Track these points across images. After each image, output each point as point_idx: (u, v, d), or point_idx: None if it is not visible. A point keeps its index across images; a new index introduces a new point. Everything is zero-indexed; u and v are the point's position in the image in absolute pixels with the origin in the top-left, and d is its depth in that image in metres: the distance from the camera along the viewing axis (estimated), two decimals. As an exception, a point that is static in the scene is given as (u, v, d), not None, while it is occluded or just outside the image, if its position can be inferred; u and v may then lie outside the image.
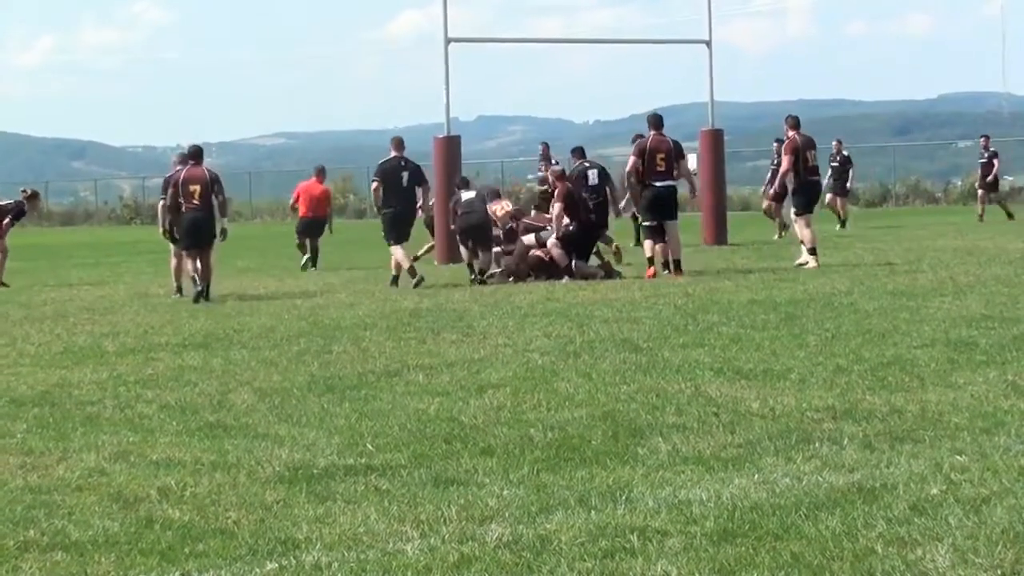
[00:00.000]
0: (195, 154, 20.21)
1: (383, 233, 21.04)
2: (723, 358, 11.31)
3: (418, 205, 21.61)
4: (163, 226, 20.36)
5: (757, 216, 45.96)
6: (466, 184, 22.61)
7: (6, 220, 23.82)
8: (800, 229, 21.98)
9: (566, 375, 10.77)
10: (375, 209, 21.97)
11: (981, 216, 35.39)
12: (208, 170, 20.07)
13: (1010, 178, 68.87)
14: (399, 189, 20.85)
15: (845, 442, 7.82)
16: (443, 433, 8.58)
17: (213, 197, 19.77)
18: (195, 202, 19.67)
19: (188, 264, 19.81)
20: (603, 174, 22.36)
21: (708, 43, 31.42)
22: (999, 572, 5.33)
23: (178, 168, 20.30)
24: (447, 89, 28.29)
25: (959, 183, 58.91)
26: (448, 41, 28.30)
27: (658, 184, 20.60)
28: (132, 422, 9.44)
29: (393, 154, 21.01)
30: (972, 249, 23.79)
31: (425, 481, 7.27)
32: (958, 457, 7.30)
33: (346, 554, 5.94)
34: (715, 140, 30.98)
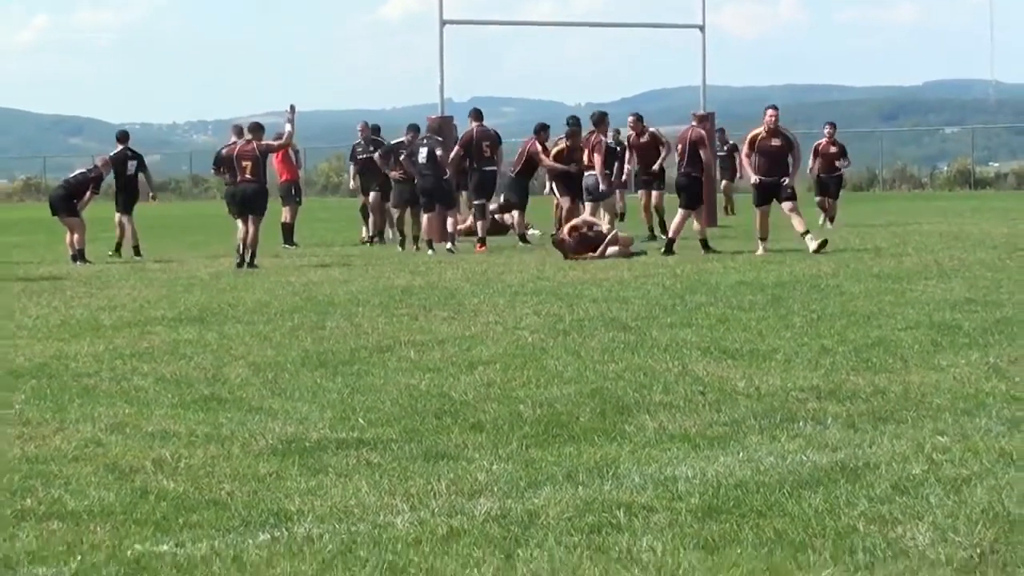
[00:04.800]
0: (252, 129, 21.75)
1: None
2: (710, 338, 11.40)
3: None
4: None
5: (747, 199, 45.89)
6: (417, 132, 24.29)
7: (87, 193, 23.25)
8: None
9: (555, 353, 10.85)
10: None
11: (727, 208, 34.11)
12: (258, 145, 21.30)
13: (995, 164, 68.90)
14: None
15: (829, 422, 7.91)
16: (434, 408, 8.66)
17: (263, 170, 21.32)
18: (248, 176, 21.10)
19: (239, 232, 21.14)
20: (432, 152, 23.57)
21: (701, 28, 31.48)
22: (978, 551, 5.39)
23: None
24: (441, 70, 28.35)
25: (944, 168, 59.10)
26: (443, 23, 28.35)
27: (486, 169, 24.23)
28: (128, 394, 9.51)
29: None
30: (957, 234, 23.90)
31: (415, 455, 7.34)
32: (940, 438, 7.38)
33: (337, 526, 6.00)
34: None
